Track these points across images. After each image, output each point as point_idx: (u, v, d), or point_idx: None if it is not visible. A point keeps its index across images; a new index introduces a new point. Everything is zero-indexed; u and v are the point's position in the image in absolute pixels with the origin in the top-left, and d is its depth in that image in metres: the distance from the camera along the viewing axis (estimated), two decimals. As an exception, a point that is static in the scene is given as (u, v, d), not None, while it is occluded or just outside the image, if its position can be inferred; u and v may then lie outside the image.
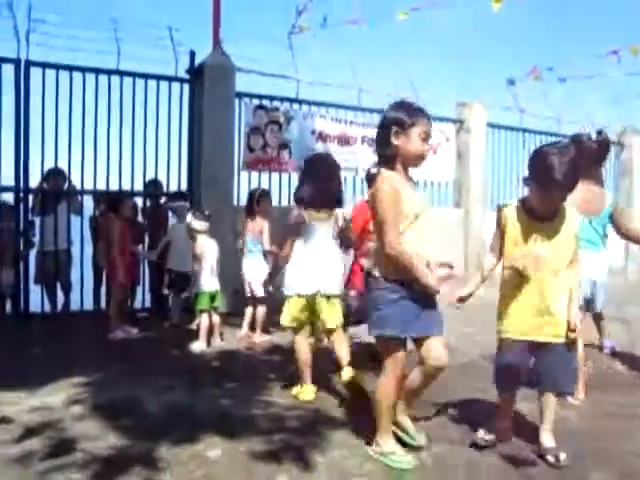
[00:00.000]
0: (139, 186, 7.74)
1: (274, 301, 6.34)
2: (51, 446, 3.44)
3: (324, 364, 5.42)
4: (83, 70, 7.25)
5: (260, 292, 6.44)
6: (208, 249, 6.39)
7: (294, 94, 8.80)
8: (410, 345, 3.41)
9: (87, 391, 4.52)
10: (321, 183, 4.53)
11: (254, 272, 6.59)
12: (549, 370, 3.50)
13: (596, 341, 5.93)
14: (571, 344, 3.49)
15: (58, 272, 7.43)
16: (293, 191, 5.01)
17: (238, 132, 8.20)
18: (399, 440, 3.53)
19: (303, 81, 8.87)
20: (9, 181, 7.05)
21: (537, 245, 3.44)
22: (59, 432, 3.66)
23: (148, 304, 7.94)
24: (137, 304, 7.84)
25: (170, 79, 7.80)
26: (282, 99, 8.66)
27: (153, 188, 7.90)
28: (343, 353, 4.57)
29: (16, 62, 6.98)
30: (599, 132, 4.66)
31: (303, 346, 4.62)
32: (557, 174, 3.25)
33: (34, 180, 7.26)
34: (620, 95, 11.73)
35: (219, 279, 6.45)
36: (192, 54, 7.92)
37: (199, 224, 6.38)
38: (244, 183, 8.36)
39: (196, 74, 7.87)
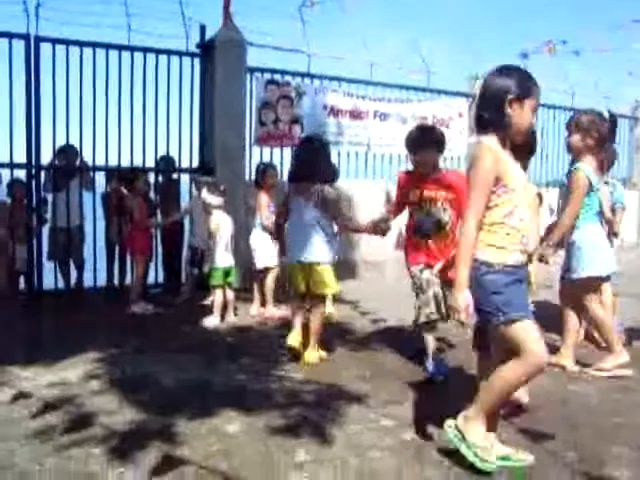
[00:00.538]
0: (151, 162, 7.70)
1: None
2: (69, 421, 3.45)
3: (338, 337, 5.47)
4: (93, 45, 7.17)
5: (263, 263, 6.58)
6: (223, 224, 6.37)
7: (306, 68, 8.71)
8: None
9: (103, 366, 4.54)
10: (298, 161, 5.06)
11: (258, 244, 6.64)
12: None
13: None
14: None
15: (71, 248, 7.43)
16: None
17: (249, 107, 8.14)
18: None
19: (315, 55, 8.79)
20: (21, 158, 7.02)
21: None
22: (77, 407, 3.68)
23: (160, 280, 7.92)
24: (150, 280, 7.83)
25: (181, 54, 7.72)
26: (294, 74, 8.58)
27: (165, 164, 7.86)
28: (315, 328, 4.87)
29: (26, 38, 6.91)
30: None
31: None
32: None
33: (46, 157, 7.24)
34: (635, 69, 11.52)
35: (233, 255, 6.45)
36: (203, 28, 7.84)
37: (214, 199, 6.35)
38: (256, 158, 8.34)
39: (207, 49, 7.79)
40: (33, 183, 7.11)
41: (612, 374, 4.53)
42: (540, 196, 4.54)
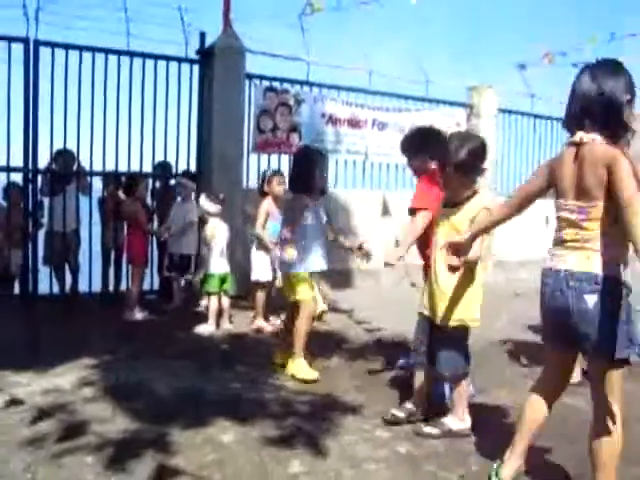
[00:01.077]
0: (148, 168, 7.69)
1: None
2: (62, 429, 3.42)
3: (333, 346, 5.44)
4: (93, 50, 7.17)
5: (255, 276, 6.42)
6: (219, 232, 6.36)
7: (304, 76, 8.72)
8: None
9: (97, 373, 4.52)
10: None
11: (254, 256, 6.47)
12: (436, 348, 3.64)
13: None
14: (461, 328, 3.59)
15: (66, 253, 7.39)
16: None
17: (248, 114, 8.15)
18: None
19: (314, 63, 8.79)
20: (18, 162, 7.00)
21: (439, 230, 3.63)
22: (70, 415, 3.66)
23: (154, 286, 7.89)
24: (145, 286, 7.80)
25: (180, 60, 7.71)
26: (292, 81, 8.59)
27: (162, 170, 7.85)
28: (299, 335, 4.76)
29: (25, 41, 6.90)
30: None
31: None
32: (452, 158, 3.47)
33: (43, 161, 7.22)
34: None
35: (229, 262, 6.43)
36: (202, 35, 7.84)
37: (212, 206, 6.35)
38: (253, 166, 8.34)
39: (206, 55, 7.79)
40: (30, 187, 7.09)
41: None
42: None
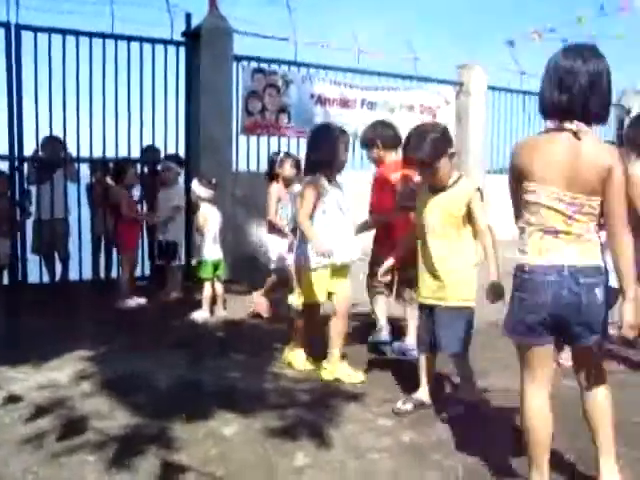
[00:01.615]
0: (136, 153, 7.58)
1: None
2: (62, 426, 3.37)
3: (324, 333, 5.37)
4: (76, 33, 7.02)
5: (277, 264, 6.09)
6: (211, 218, 6.28)
7: (292, 57, 8.61)
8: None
9: (93, 366, 4.46)
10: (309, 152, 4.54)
11: (270, 242, 6.18)
12: (438, 331, 3.67)
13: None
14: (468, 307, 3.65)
15: (55, 241, 7.30)
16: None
17: (236, 96, 8.04)
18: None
19: (302, 43, 8.69)
20: (3, 149, 6.87)
21: (426, 214, 3.68)
22: (69, 410, 3.60)
23: (145, 273, 7.82)
24: (137, 273, 7.73)
25: (166, 42, 7.58)
26: (280, 62, 8.49)
27: (150, 155, 7.74)
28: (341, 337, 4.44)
29: (6, 26, 6.73)
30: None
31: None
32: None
33: (28, 148, 7.09)
34: (622, 56, 11.51)
35: (221, 247, 6.37)
36: (188, 16, 7.70)
37: (204, 191, 6.26)
38: (242, 148, 8.26)
39: (192, 37, 7.65)
40: (16, 175, 6.97)
41: None
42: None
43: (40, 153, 7.18)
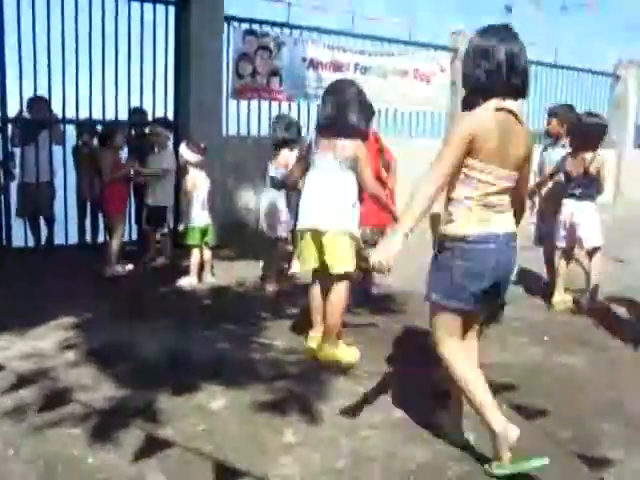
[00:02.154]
0: (123, 115, 7.40)
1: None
2: (45, 397, 3.29)
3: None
4: (62, -10, 6.78)
5: (276, 232, 5.82)
6: (199, 183, 6.15)
7: (285, 19, 8.38)
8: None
9: (78, 334, 4.37)
10: (331, 110, 4.06)
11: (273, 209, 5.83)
12: None
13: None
14: None
15: (40, 204, 7.14)
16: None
17: (227, 58, 7.83)
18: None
19: (295, 5, 8.45)
20: (-14, 110, 6.68)
21: None
22: (52, 381, 3.52)
23: (133, 237, 7.69)
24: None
25: (155, 1, 7.34)
26: (273, 24, 8.26)
27: (138, 117, 7.56)
28: (333, 318, 4.05)
29: (-12, -20, 6.49)
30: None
31: (312, 292, 4.25)
32: None
33: (12, 109, 6.89)
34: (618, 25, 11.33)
35: (209, 212, 6.25)
36: (178, -26, 7.45)
37: (193, 156, 6.11)
38: (232, 112, 8.09)
39: (183, -4, 7.42)
40: (-1, 136, 6.79)
41: None
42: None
43: (25, 114, 6.97)
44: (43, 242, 7.34)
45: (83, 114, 7.14)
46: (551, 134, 5.99)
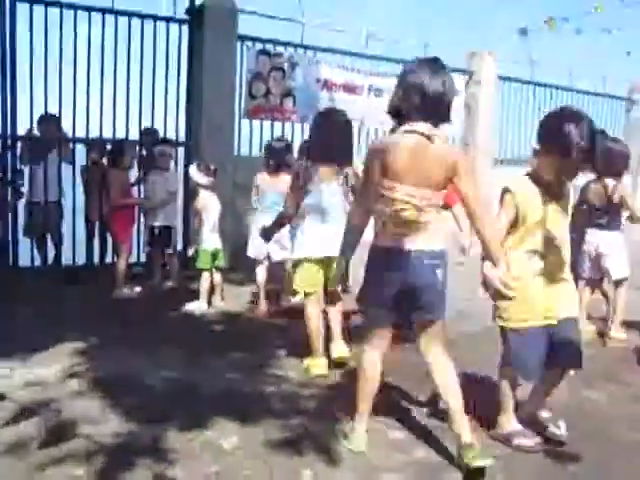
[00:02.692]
0: (134, 134, 7.27)
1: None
2: (48, 431, 3.11)
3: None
4: (75, 7, 6.68)
5: (278, 256, 5.79)
6: (210, 205, 6.01)
7: (299, 39, 8.28)
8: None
9: (84, 362, 4.19)
10: (326, 138, 4.25)
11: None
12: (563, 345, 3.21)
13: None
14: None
15: (48, 224, 7.00)
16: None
17: (239, 78, 7.72)
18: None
19: (309, 25, 8.36)
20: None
21: (552, 223, 3.18)
22: (56, 413, 3.34)
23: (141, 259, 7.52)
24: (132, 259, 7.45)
25: (168, 20, 7.24)
26: (286, 44, 8.15)
27: (149, 137, 7.42)
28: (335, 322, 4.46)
29: (0, -3, 6.40)
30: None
31: (315, 313, 4.29)
32: (578, 142, 2.93)
33: (22, 126, 6.77)
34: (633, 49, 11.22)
35: (220, 235, 6.09)
36: (191, -7, 7.37)
37: (202, 178, 5.98)
38: (245, 132, 7.96)
39: (196, 15, 7.32)
40: (9, 154, 6.65)
41: None
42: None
43: (34, 131, 6.86)
44: (50, 263, 7.18)
45: (93, 133, 7.01)
46: None
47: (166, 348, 4.56)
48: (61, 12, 6.63)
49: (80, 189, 7.17)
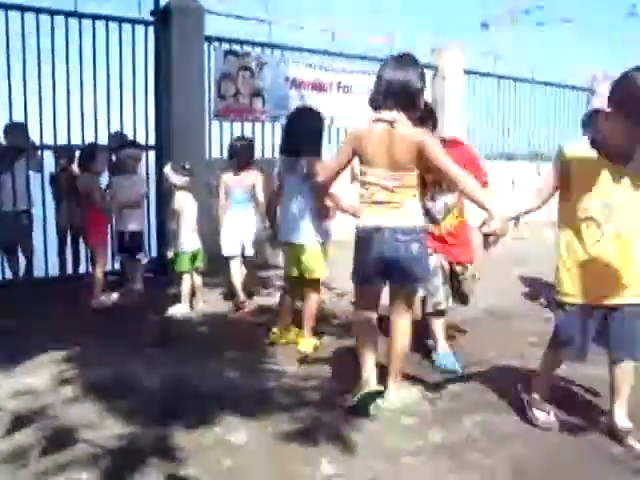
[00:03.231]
0: (104, 139, 7.08)
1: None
2: (46, 439, 2.94)
3: (321, 321, 5.01)
4: (37, 11, 6.48)
5: (250, 251, 5.96)
6: (187, 205, 5.87)
7: (266, 38, 8.20)
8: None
9: (72, 368, 4.02)
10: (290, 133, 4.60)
11: (249, 228, 5.94)
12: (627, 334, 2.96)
13: None
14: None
15: (18, 235, 6.75)
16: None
17: (208, 79, 7.60)
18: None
19: (276, 24, 8.28)
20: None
21: (614, 191, 2.89)
22: (53, 420, 3.17)
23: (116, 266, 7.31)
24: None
25: (134, 22, 7.08)
26: (254, 43, 8.06)
27: (118, 141, 7.23)
28: (307, 315, 4.60)
29: (-42, 1, 6.19)
30: None
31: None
32: None
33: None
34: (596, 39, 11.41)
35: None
36: (156, -6, 7.23)
37: (178, 178, 5.83)
38: (215, 133, 7.83)
39: (162, 16, 7.17)
40: (-27, 164, 6.41)
41: None
42: None
43: (1, 140, 6.63)
44: (22, 275, 6.93)
45: (62, 139, 6.80)
46: None
47: (156, 351, 4.42)
48: (22, 16, 6.41)
49: (50, 197, 6.96)
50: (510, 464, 2.77)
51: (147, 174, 7.14)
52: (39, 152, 6.83)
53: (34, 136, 6.73)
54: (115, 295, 6.15)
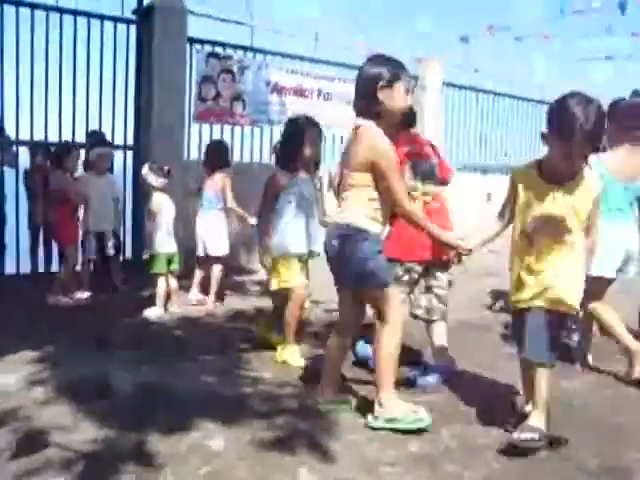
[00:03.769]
0: (81, 137, 7.00)
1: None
2: (18, 442, 2.86)
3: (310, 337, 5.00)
4: (16, 4, 6.40)
5: (216, 251, 6.18)
6: (164, 207, 5.81)
7: (249, 42, 8.18)
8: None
9: (44, 369, 3.93)
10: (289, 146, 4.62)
11: (211, 229, 6.17)
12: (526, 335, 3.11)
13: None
14: (555, 312, 3.04)
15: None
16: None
17: (189, 81, 7.55)
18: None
19: (258, 27, 8.27)
20: None
21: (548, 208, 3.03)
22: (24, 422, 3.08)
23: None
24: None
25: (116, 20, 7.02)
26: (236, 47, 8.05)
27: (95, 140, 7.14)
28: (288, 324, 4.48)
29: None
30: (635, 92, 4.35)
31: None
32: (582, 124, 2.81)
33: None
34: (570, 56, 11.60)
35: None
36: (139, -8, 7.17)
37: (156, 180, 5.77)
38: (194, 136, 7.80)
39: (145, 15, 7.13)
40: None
41: None
42: None
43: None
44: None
45: (38, 136, 6.70)
46: None
47: (130, 353, 4.35)
48: (1, 9, 6.33)
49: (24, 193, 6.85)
50: (486, 476, 2.76)
51: (124, 174, 7.04)
52: (14, 147, 6.71)
53: (10, 131, 6.63)
54: (82, 294, 6.07)
